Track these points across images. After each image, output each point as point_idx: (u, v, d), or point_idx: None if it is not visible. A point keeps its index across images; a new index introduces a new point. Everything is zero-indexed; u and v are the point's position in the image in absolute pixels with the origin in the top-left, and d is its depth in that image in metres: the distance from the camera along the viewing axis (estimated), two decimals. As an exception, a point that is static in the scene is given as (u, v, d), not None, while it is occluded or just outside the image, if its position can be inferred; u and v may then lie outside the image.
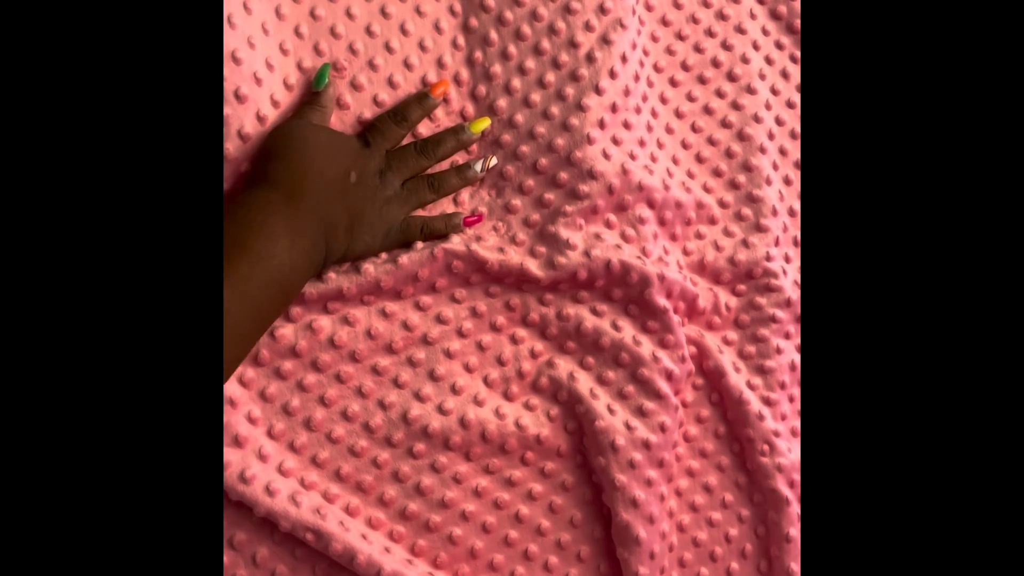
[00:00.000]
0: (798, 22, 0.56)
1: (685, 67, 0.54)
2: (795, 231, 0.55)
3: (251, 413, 0.44)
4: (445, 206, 0.49)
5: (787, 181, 0.55)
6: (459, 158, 0.49)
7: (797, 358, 0.53)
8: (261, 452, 0.44)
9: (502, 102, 0.49)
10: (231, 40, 0.42)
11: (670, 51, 0.54)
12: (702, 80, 0.54)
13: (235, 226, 0.39)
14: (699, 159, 0.53)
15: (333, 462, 0.45)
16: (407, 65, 0.48)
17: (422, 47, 0.48)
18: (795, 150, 0.55)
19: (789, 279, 0.53)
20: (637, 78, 0.51)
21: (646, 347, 0.48)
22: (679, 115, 0.54)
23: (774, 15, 0.56)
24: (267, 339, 0.44)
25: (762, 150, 0.54)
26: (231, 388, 0.44)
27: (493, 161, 0.48)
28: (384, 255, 0.46)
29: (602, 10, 0.49)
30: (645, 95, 0.52)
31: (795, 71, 0.56)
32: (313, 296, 0.44)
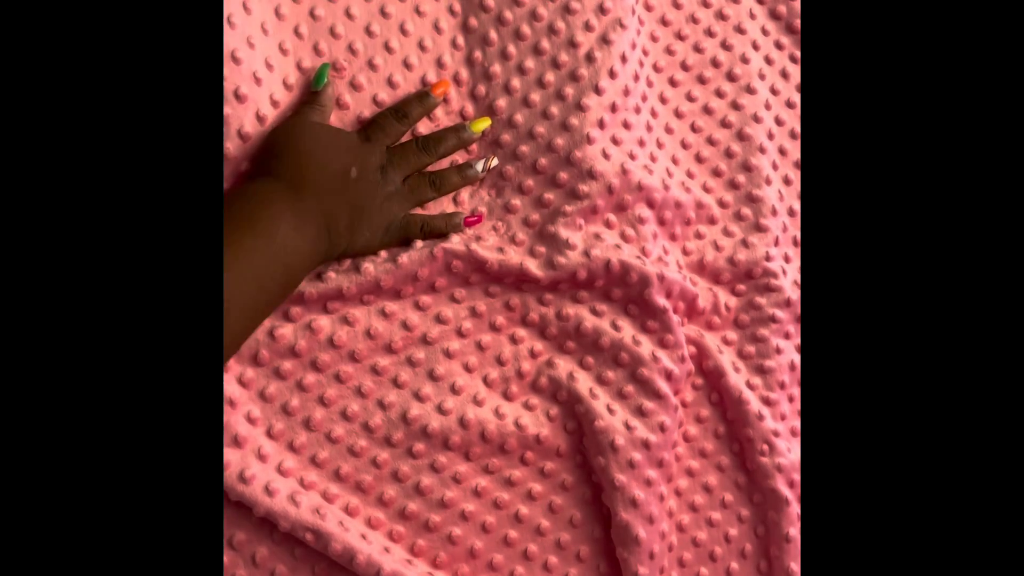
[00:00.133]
0: (798, 22, 0.56)
1: (685, 67, 0.54)
2: (795, 231, 0.55)
3: (251, 413, 0.44)
4: (445, 206, 0.49)
5: (787, 181, 0.55)
6: (459, 157, 0.49)
7: (797, 358, 0.53)
8: (261, 452, 0.44)
9: (502, 102, 0.49)
10: (231, 40, 0.42)
11: (670, 51, 0.54)
12: (702, 80, 0.54)
13: (240, 207, 0.39)
14: (699, 159, 0.54)
15: (332, 462, 0.45)
16: (407, 65, 0.48)
17: (422, 47, 0.48)
18: (795, 150, 0.55)
19: (789, 279, 0.53)
20: (637, 78, 0.51)
21: (646, 347, 0.48)
22: (679, 115, 0.54)
23: (774, 15, 0.56)
24: (267, 339, 0.44)
25: (762, 150, 0.54)
26: (231, 388, 0.43)
27: (494, 161, 0.48)
28: (384, 254, 0.46)
29: (602, 10, 0.49)
30: (645, 95, 0.52)
31: (795, 71, 0.56)
32: (313, 296, 0.44)
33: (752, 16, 0.55)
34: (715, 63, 0.54)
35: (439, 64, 0.48)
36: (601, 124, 0.48)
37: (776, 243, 0.53)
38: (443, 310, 0.47)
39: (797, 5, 0.56)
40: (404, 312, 0.46)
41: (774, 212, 0.53)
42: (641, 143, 0.50)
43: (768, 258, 0.52)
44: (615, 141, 0.49)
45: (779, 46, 0.56)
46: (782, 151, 0.55)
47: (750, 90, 0.54)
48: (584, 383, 0.48)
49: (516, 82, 0.49)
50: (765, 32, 0.56)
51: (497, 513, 0.47)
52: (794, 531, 0.50)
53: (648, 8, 0.54)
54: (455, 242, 0.46)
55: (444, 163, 0.48)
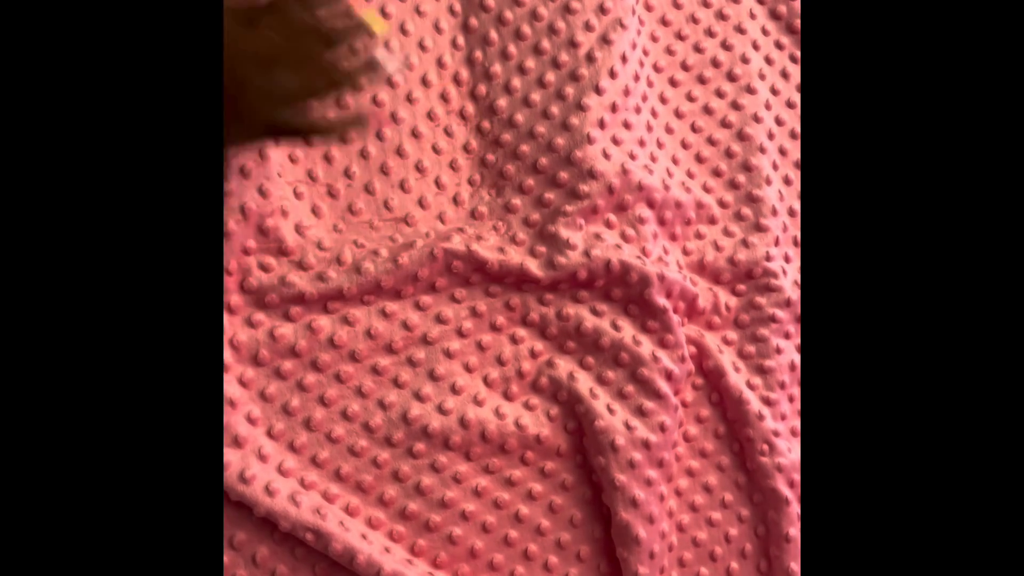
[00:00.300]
0: (798, 22, 0.56)
1: (685, 67, 0.54)
2: (795, 231, 0.55)
3: (251, 413, 0.44)
4: (445, 207, 0.49)
5: (787, 181, 0.55)
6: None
7: (797, 358, 0.53)
8: (261, 452, 0.44)
9: (502, 101, 0.49)
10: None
11: (670, 51, 0.54)
12: (702, 80, 0.54)
13: None
14: (699, 159, 0.53)
15: (333, 462, 0.45)
16: (407, 65, 0.48)
17: (422, 47, 0.48)
18: (795, 150, 0.55)
19: (789, 279, 0.53)
20: (637, 78, 0.51)
21: (646, 347, 0.48)
22: (679, 115, 0.54)
23: (774, 15, 0.56)
24: (267, 339, 0.44)
25: (762, 150, 0.54)
26: (231, 388, 0.43)
27: (396, 64, 0.43)
28: (384, 253, 0.45)
29: (602, 10, 0.49)
30: (645, 95, 0.52)
31: (795, 71, 0.56)
32: (313, 296, 0.44)
33: (752, 16, 0.55)
34: (715, 63, 0.54)
35: (439, 64, 0.48)
36: (601, 124, 0.48)
37: (776, 243, 0.53)
38: (443, 310, 0.47)
39: (797, 5, 0.56)
40: (404, 312, 0.46)
41: (774, 212, 0.53)
42: (641, 143, 0.50)
43: (768, 258, 0.52)
44: (615, 141, 0.49)
45: (779, 46, 0.56)
46: (782, 151, 0.55)
47: (750, 90, 0.54)
48: (584, 383, 0.48)
49: (516, 82, 0.49)
50: (765, 32, 0.56)
51: (497, 513, 0.47)
52: (794, 531, 0.50)
53: (648, 8, 0.54)
54: (455, 242, 0.46)
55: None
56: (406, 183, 0.48)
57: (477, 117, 0.49)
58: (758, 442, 0.50)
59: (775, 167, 0.54)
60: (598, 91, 0.48)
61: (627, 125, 0.50)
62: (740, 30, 0.55)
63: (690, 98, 0.54)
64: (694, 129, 0.54)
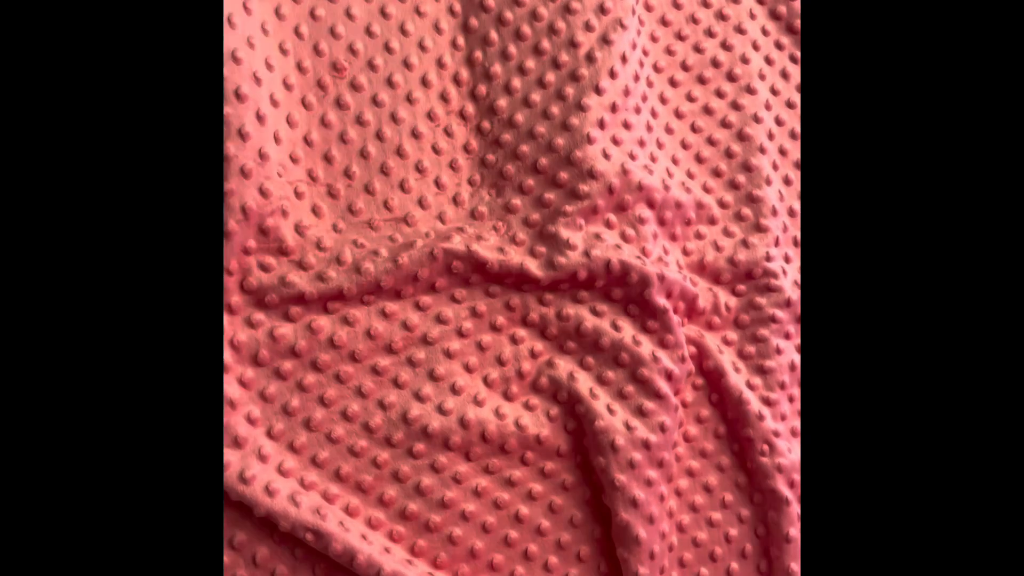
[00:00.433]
0: (798, 22, 0.56)
1: (685, 67, 0.54)
2: (795, 231, 0.55)
3: (251, 413, 0.44)
4: (445, 207, 0.49)
5: (787, 181, 0.55)
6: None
7: (797, 358, 0.53)
8: (261, 452, 0.44)
9: (502, 102, 0.49)
10: (231, 40, 0.42)
11: (670, 51, 0.54)
12: (702, 80, 0.54)
13: None
14: (699, 159, 0.54)
15: (333, 462, 0.45)
16: (407, 65, 0.48)
17: (422, 47, 0.48)
18: (795, 150, 0.55)
19: (789, 279, 0.53)
20: (637, 78, 0.51)
21: (646, 347, 0.48)
22: (679, 115, 0.54)
23: (774, 15, 0.56)
24: (267, 339, 0.44)
25: (762, 150, 0.54)
26: (231, 389, 0.43)
27: None
28: (384, 253, 0.46)
29: (602, 10, 0.49)
30: (645, 95, 0.52)
31: (795, 71, 0.56)
32: (313, 296, 0.44)
33: (752, 16, 0.55)
34: (715, 63, 0.54)
35: (439, 64, 0.49)
36: (601, 124, 0.48)
37: (776, 243, 0.53)
38: (443, 310, 0.47)
39: (797, 5, 0.56)
40: (404, 312, 0.46)
41: (774, 212, 0.53)
42: (641, 143, 0.50)
43: (768, 258, 0.53)
44: (615, 141, 0.49)
45: (779, 46, 0.56)
46: (782, 151, 0.55)
47: (750, 90, 0.54)
48: (584, 383, 0.48)
49: (517, 82, 0.49)
50: (765, 32, 0.56)
51: (497, 513, 0.47)
52: (794, 531, 0.50)
53: (648, 8, 0.54)
54: (456, 242, 0.46)
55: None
56: (406, 183, 0.48)
57: (477, 117, 0.49)
58: (758, 442, 0.50)
59: (775, 167, 0.54)
60: (598, 91, 0.48)
61: (627, 125, 0.50)
62: (740, 30, 0.55)
63: (690, 98, 0.54)
64: (694, 129, 0.54)
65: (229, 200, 0.42)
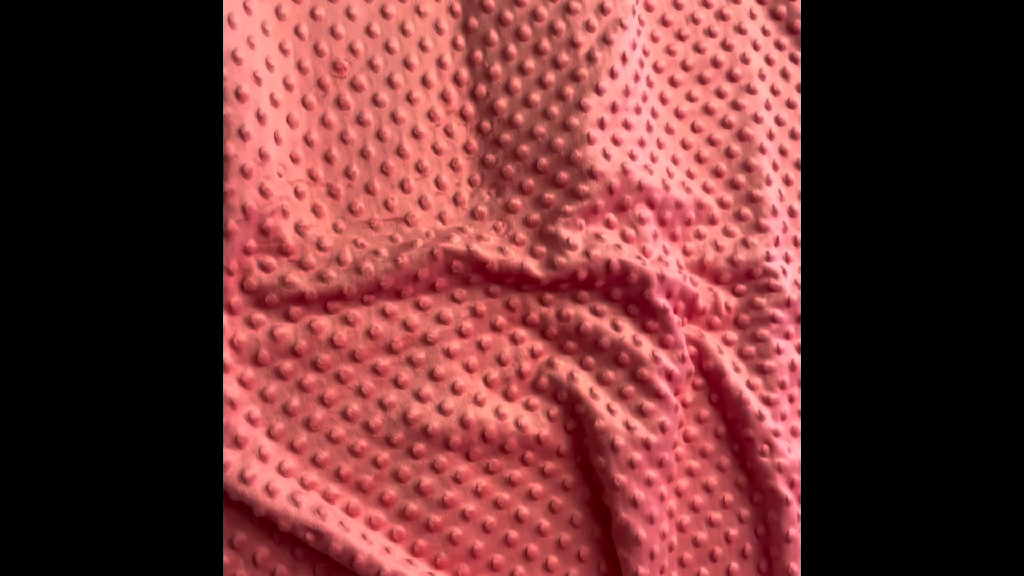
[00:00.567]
0: (798, 22, 0.56)
1: (685, 67, 0.54)
2: (795, 231, 0.55)
3: (251, 413, 0.44)
4: (445, 207, 0.49)
5: (787, 181, 0.55)
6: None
7: (797, 358, 0.53)
8: (261, 452, 0.44)
9: (502, 102, 0.49)
10: (231, 39, 0.42)
11: (670, 51, 0.54)
12: (702, 80, 0.54)
13: None
14: (699, 159, 0.54)
15: (333, 462, 0.45)
16: (407, 65, 0.48)
17: (422, 47, 0.48)
18: (795, 150, 0.55)
19: (789, 279, 0.53)
20: (637, 78, 0.51)
21: (646, 347, 0.48)
22: (679, 115, 0.54)
23: (774, 15, 0.56)
24: (267, 339, 0.44)
25: (762, 150, 0.54)
26: (231, 388, 0.43)
27: None
28: (385, 253, 0.46)
29: (602, 10, 0.49)
30: (645, 95, 0.52)
31: (795, 71, 0.56)
32: (313, 296, 0.44)
33: (752, 16, 0.55)
34: (715, 63, 0.54)
35: (439, 64, 0.49)
36: (601, 124, 0.48)
37: (776, 243, 0.53)
38: (443, 310, 0.47)
39: (797, 5, 0.56)
40: (404, 312, 0.47)
41: (774, 212, 0.53)
42: (641, 143, 0.50)
43: (768, 258, 0.53)
44: (615, 141, 0.49)
45: (779, 46, 0.56)
46: (782, 151, 0.55)
47: (750, 90, 0.54)
48: (584, 383, 0.48)
49: (517, 82, 0.49)
50: (765, 32, 0.56)
51: (497, 513, 0.47)
52: (794, 531, 0.50)
53: (648, 8, 0.54)
54: (456, 242, 0.46)
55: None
56: (406, 183, 0.48)
57: (477, 117, 0.49)
58: (758, 442, 0.50)
59: (775, 167, 0.54)
60: (598, 91, 0.48)
61: (627, 125, 0.50)
62: (740, 30, 0.55)
63: (690, 98, 0.54)
64: (694, 129, 0.54)
65: (229, 200, 0.42)
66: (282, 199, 0.45)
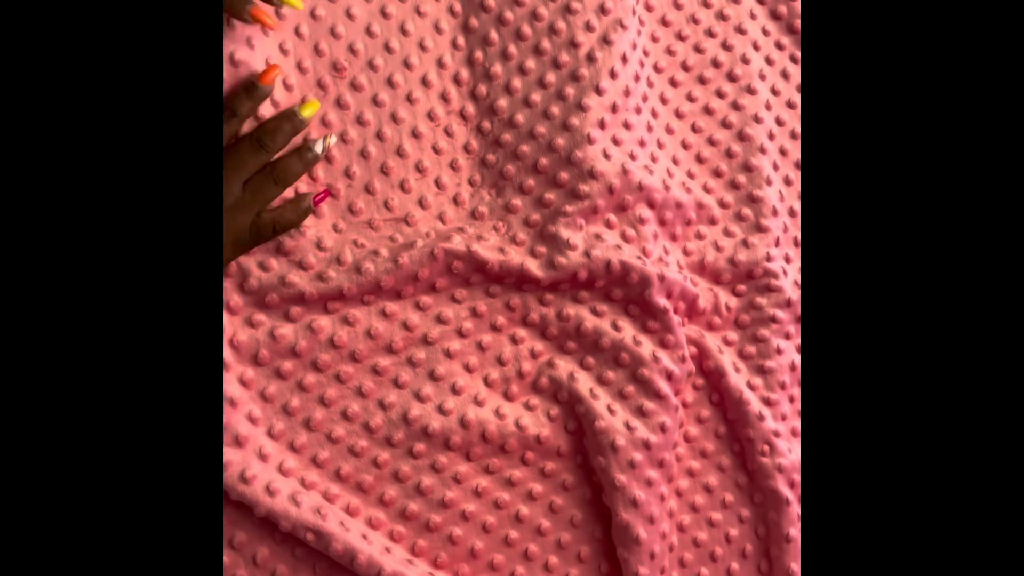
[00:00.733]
0: (798, 22, 0.56)
1: (685, 67, 0.54)
2: (795, 231, 0.55)
3: (251, 413, 0.44)
4: (445, 207, 0.49)
5: (787, 181, 0.55)
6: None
7: (797, 358, 0.53)
8: (261, 452, 0.44)
9: (502, 102, 0.49)
10: (231, 40, 0.42)
11: (670, 51, 0.54)
12: (702, 80, 0.54)
13: None
14: (699, 159, 0.54)
15: (333, 462, 0.45)
16: (407, 65, 0.48)
17: (422, 47, 0.48)
18: (795, 150, 0.55)
19: (789, 279, 0.53)
20: (637, 78, 0.51)
21: (646, 347, 0.48)
22: (679, 115, 0.54)
23: (774, 15, 0.56)
24: (267, 339, 0.44)
25: (762, 150, 0.54)
26: (231, 388, 0.44)
27: (332, 139, 0.45)
28: (385, 253, 0.46)
29: (602, 10, 0.49)
30: (645, 95, 0.52)
31: (795, 71, 0.56)
32: (313, 296, 0.44)
33: (753, 16, 0.55)
34: (716, 63, 0.54)
35: (439, 64, 0.49)
36: (602, 124, 0.48)
37: (777, 243, 0.53)
38: (443, 310, 0.47)
39: (797, 5, 0.56)
40: (404, 312, 0.47)
41: (775, 212, 0.53)
42: (642, 143, 0.50)
43: (769, 258, 0.53)
44: (616, 141, 0.49)
45: (780, 46, 0.56)
46: (783, 151, 0.55)
47: (751, 90, 0.54)
48: (585, 383, 0.48)
49: (517, 82, 0.49)
50: (766, 32, 0.56)
51: (498, 513, 0.47)
52: (794, 531, 0.50)
53: (649, 8, 0.54)
54: (456, 242, 0.46)
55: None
56: (406, 183, 0.48)
57: (477, 117, 0.49)
58: (758, 442, 0.50)
59: (775, 167, 0.54)
60: (598, 91, 0.48)
61: (627, 125, 0.50)
62: (740, 31, 0.55)
63: (690, 98, 0.54)
64: (694, 129, 0.54)
65: (229, 200, 0.42)
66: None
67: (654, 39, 0.54)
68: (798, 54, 0.56)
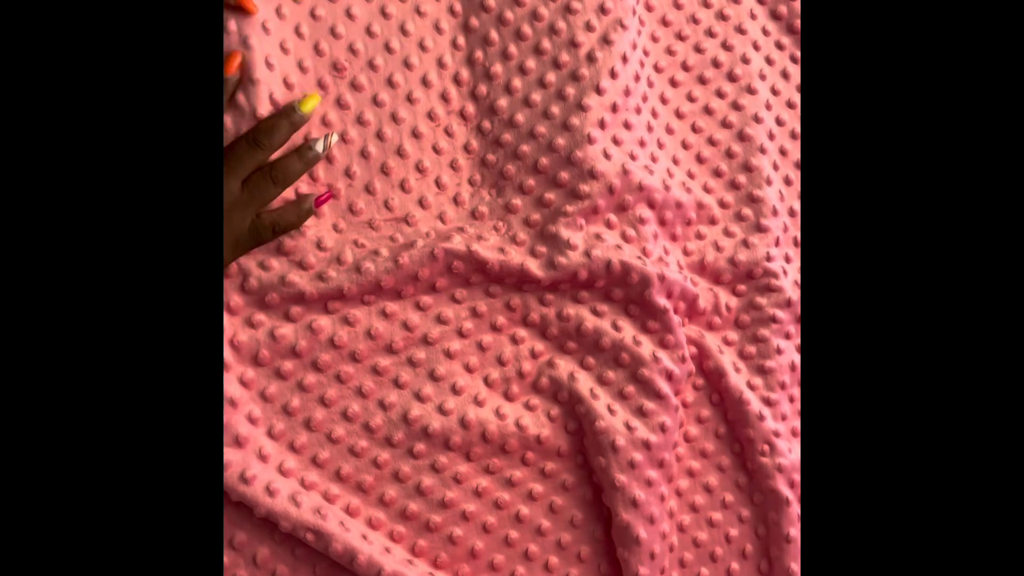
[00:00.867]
0: (798, 22, 0.56)
1: (685, 67, 0.54)
2: (795, 231, 0.55)
3: (251, 413, 0.44)
4: (445, 207, 0.49)
5: (787, 181, 0.55)
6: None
7: (797, 358, 0.53)
8: (261, 452, 0.44)
9: (503, 102, 0.49)
10: (231, 40, 0.42)
11: (670, 51, 0.54)
12: (702, 80, 0.54)
13: None
14: (699, 159, 0.54)
15: (333, 462, 0.45)
16: (407, 65, 0.48)
17: (422, 47, 0.48)
18: (795, 150, 0.55)
19: (789, 279, 0.53)
20: (637, 78, 0.51)
21: (646, 347, 0.48)
22: (679, 115, 0.54)
23: (774, 15, 0.56)
24: (267, 339, 0.44)
25: (762, 150, 0.54)
26: (231, 388, 0.43)
27: (335, 137, 0.44)
28: (385, 253, 0.46)
29: (602, 10, 0.49)
30: (645, 95, 0.52)
31: (795, 71, 0.56)
32: (313, 296, 0.44)
33: (753, 16, 0.55)
34: (716, 63, 0.54)
35: (440, 64, 0.48)
36: (602, 124, 0.48)
37: (777, 243, 0.53)
38: (444, 310, 0.47)
39: (798, 5, 0.56)
40: (405, 312, 0.46)
41: (775, 212, 0.53)
42: (642, 143, 0.50)
43: (769, 258, 0.53)
44: (616, 141, 0.49)
45: (780, 46, 0.56)
46: (783, 151, 0.55)
47: (751, 90, 0.54)
48: (585, 383, 0.48)
49: (517, 82, 0.49)
50: (766, 32, 0.56)
51: (498, 513, 0.47)
52: (794, 531, 0.50)
53: (649, 8, 0.54)
54: (456, 242, 0.46)
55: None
56: (406, 183, 0.48)
57: (478, 117, 0.49)
58: (759, 442, 0.50)
59: (775, 167, 0.54)
60: (599, 91, 0.48)
61: (627, 125, 0.50)
62: (740, 30, 0.55)
63: (690, 98, 0.54)
64: (694, 129, 0.54)
65: (229, 200, 0.42)
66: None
67: (654, 39, 0.54)
68: (798, 54, 0.56)
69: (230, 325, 0.44)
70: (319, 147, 0.44)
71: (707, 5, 0.54)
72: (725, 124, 0.54)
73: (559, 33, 0.49)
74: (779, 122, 0.55)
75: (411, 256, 0.45)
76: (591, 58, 0.48)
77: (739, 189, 0.53)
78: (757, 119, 0.54)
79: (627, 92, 0.49)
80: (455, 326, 0.47)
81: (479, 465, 0.47)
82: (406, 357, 0.46)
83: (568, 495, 0.48)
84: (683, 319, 0.51)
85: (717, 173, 0.53)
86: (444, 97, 0.49)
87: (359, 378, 0.46)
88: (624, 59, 0.49)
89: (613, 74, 0.49)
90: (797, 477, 0.50)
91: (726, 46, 0.54)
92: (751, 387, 0.52)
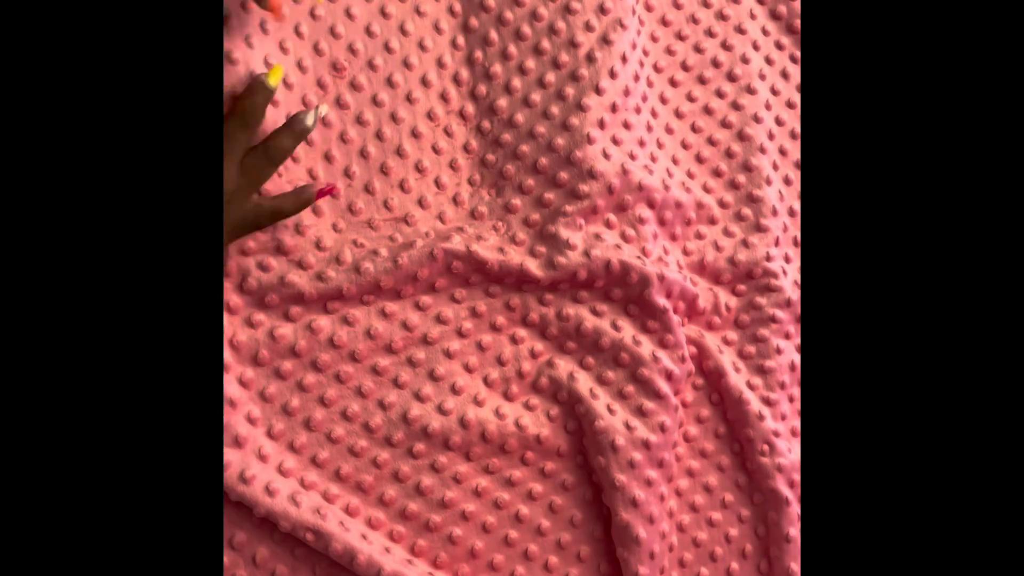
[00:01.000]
0: (798, 22, 0.56)
1: (685, 67, 0.54)
2: (795, 231, 0.55)
3: (251, 413, 0.44)
4: (445, 207, 0.48)
5: (787, 181, 0.55)
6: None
7: (797, 358, 0.53)
8: (261, 452, 0.44)
9: (502, 102, 0.49)
10: (231, 40, 0.42)
11: (670, 51, 0.54)
12: (702, 80, 0.54)
13: None
14: (699, 159, 0.54)
15: (333, 462, 0.45)
16: (407, 65, 0.48)
17: (422, 47, 0.48)
18: (795, 150, 0.55)
19: (789, 279, 0.53)
20: (637, 78, 0.51)
21: (646, 347, 0.48)
22: (679, 115, 0.54)
23: (774, 15, 0.56)
24: (267, 339, 0.44)
25: (762, 150, 0.54)
26: (231, 388, 0.43)
27: (324, 109, 0.44)
28: (384, 253, 0.46)
29: (602, 10, 0.49)
30: (645, 95, 0.52)
31: (795, 71, 0.56)
32: (313, 296, 0.44)
33: (752, 16, 0.55)
34: (715, 63, 0.54)
35: (439, 64, 0.48)
36: (601, 124, 0.48)
37: (776, 243, 0.53)
38: (443, 310, 0.47)
39: (797, 5, 0.56)
40: (404, 312, 0.46)
41: (774, 212, 0.53)
42: (641, 143, 0.50)
43: (768, 258, 0.53)
44: (615, 141, 0.49)
45: (779, 46, 0.56)
46: (782, 151, 0.55)
47: (750, 90, 0.54)
48: (584, 383, 0.48)
49: (517, 82, 0.49)
50: (765, 32, 0.56)
51: (497, 513, 0.47)
52: (794, 531, 0.50)
53: (648, 8, 0.54)
54: (456, 242, 0.46)
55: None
56: (406, 183, 0.48)
57: (477, 117, 0.49)
58: (758, 442, 0.50)
59: (775, 167, 0.54)
60: (598, 91, 0.48)
61: (627, 125, 0.50)
62: (740, 30, 0.55)
63: (690, 98, 0.54)
64: (694, 129, 0.54)
65: (229, 200, 0.42)
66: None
67: (654, 39, 0.54)
68: (798, 54, 0.56)
69: (229, 325, 0.44)
70: (308, 120, 0.43)
71: (707, 5, 0.54)
72: (725, 124, 0.54)
73: (559, 33, 0.49)
74: (779, 122, 0.55)
75: (410, 256, 0.45)
76: (591, 58, 0.48)
77: (739, 189, 0.53)
78: (757, 119, 0.54)
79: (627, 92, 0.49)
80: (455, 326, 0.47)
81: (479, 465, 0.47)
82: (406, 357, 0.46)
83: (568, 495, 0.48)
84: (683, 319, 0.51)
85: (717, 173, 0.53)
86: (444, 97, 0.49)
87: (359, 378, 0.46)
88: (624, 59, 0.49)
89: (612, 74, 0.49)
90: (797, 477, 0.50)
91: (726, 46, 0.54)
92: (751, 387, 0.52)
